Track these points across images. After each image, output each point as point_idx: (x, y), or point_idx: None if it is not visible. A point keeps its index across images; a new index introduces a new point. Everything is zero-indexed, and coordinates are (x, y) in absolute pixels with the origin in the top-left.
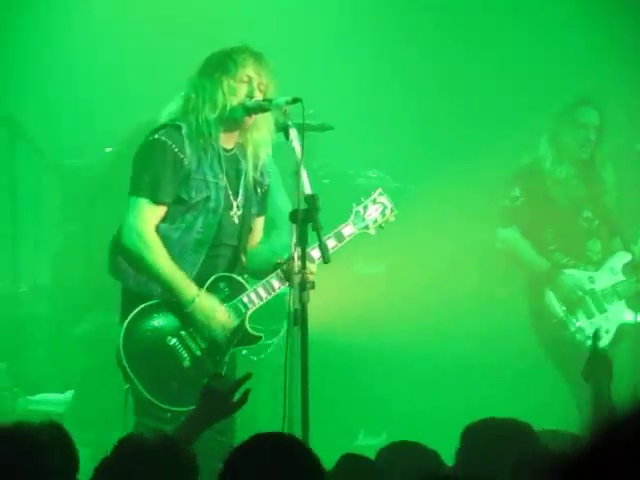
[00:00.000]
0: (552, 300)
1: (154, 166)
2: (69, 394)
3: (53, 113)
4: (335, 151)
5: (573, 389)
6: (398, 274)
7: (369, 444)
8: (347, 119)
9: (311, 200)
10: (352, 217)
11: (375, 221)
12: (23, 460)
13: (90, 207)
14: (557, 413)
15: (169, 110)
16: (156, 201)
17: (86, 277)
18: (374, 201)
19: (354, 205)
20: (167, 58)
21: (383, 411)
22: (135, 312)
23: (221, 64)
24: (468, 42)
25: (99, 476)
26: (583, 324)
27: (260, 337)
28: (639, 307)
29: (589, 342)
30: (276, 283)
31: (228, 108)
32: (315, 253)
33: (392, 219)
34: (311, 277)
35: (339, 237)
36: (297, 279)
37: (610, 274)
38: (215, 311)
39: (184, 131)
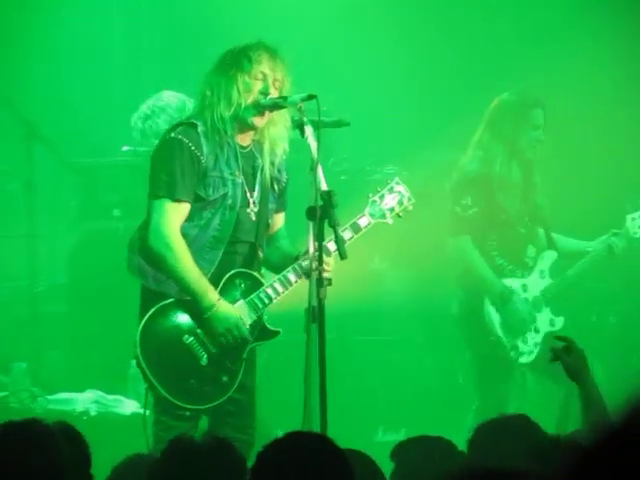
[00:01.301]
0: (492, 317)
1: (172, 165)
2: (88, 394)
3: (69, 112)
4: (352, 147)
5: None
6: (417, 269)
7: (388, 440)
8: (363, 115)
9: (327, 196)
10: (368, 207)
11: (392, 210)
12: (37, 456)
13: (106, 206)
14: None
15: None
16: (177, 200)
17: (103, 276)
18: (391, 190)
19: (370, 195)
20: (183, 54)
21: (402, 407)
22: (152, 311)
23: (236, 61)
24: (490, 35)
25: (153, 477)
26: (518, 341)
27: (278, 332)
28: (564, 310)
29: (522, 359)
30: (293, 277)
31: (243, 106)
32: (331, 246)
33: (410, 208)
34: (328, 273)
35: (355, 228)
36: (314, 276)
37: (539, 278)
38: (230, 321)
39: (200, 129)
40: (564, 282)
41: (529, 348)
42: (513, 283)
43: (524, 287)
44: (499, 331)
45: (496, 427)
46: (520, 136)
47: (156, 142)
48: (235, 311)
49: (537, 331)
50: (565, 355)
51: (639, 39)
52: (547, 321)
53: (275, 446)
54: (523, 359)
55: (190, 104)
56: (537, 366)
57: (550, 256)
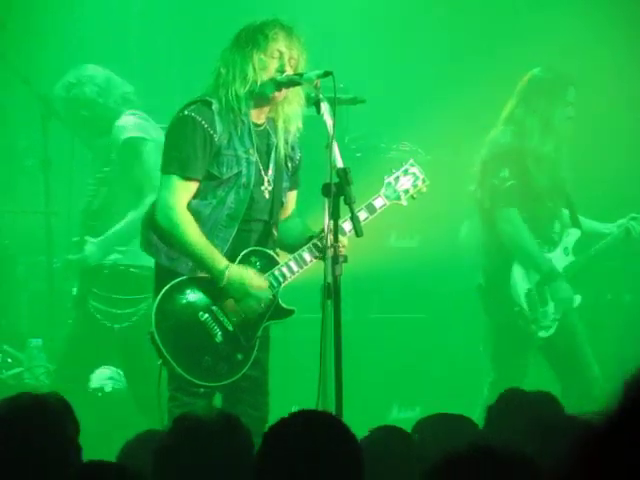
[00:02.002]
0: (519, 288)
1: (184, 143)
2: (103, 370)
3: None
4: (367, 125)
5: (505, 377)
6: (431, 247)
7: (403, 417)
8: (379, 92)
9: (343, 173)
10: (383, 189)
11: (407, 192)
12: (40, 429)
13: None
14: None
15: None
16: (187, 177)
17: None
18: (405, 172)
19: (385, 176)
20: (199, 35)
21: (417, 384)
22: (166, 288)
23: (252, 38)
24: (502, 18)
25: (159, 455)
26: (539, 315)
27: (293, 311)
28: (581, 288)
29: (541, 333)
30: (308, 256)
31: (259, 83)
32: (347, 226)
33: (424, 190)
34: (343, 250)
35: (370, 209)
36: (330, 253)
37: (563, 255)
38: (247, 280)
39: (214, 107)
40: (585, 261)
41: (548, 323)
42: None
43: None
44: (523, 302)
45: (513, 403)
46: (555, 112)
47: (84, 112)
48: (247, 273)
49: (557, 307)
50: None
51: None
52: (567, 297)
53: (281, 424)
54: (542, 333)
55: (117, 80)
56: (543, 346)
57: (574, 234)
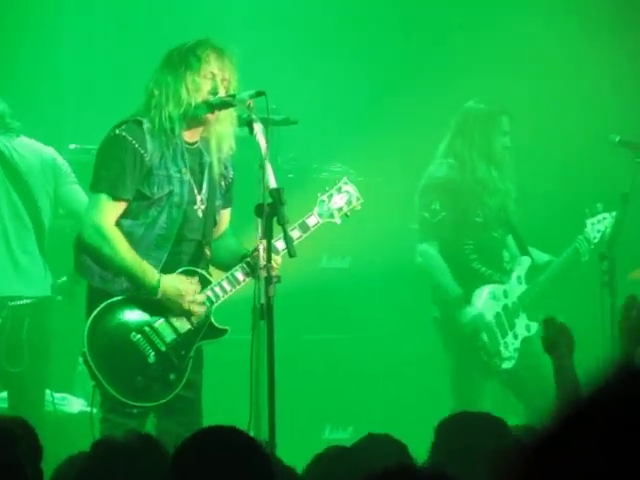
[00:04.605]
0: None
1: (114, 162)
2: None
3: (18, 111)
4: (299, 146)
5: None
6: (363, 269)
7: (336, 438)
8: (310, 113)
9: (276, 194)
10: (317, 207)
11: (340, 210)
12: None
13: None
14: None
15: None
16: (115, 197)
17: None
18: (339, 190)
19: (319, 194)
20: (132, 50)
21: (349, 405)
22: (99, 309)
23: (184, 60)
24: (434, 36)
25: (79, 478)
26: (500, 347)
27: (226, 330)
28: (535, 316)
29: (504, 365)
30: (241, 276)
31: (192, 105)
32: (280, 244)
33: (359, 208)
34: (276, 270)
35: (304, 228)
36: (263, 273)
37: (517, 284)
38: (181, 286)
39: (145, 126)
40: (537, 288)
41: (510, 354)
42: (496, 289)
43: (505, 293)
44: (484, 336)
45: (460, 424)
46: (493, 142)
47: None
48: (179, 278)
49: (516, 337)
50: (544, 328)
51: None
52: (524, 327)
53: (188, 443)
54: (505, 365)
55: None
56: (506, 377)
57: (525, 262)
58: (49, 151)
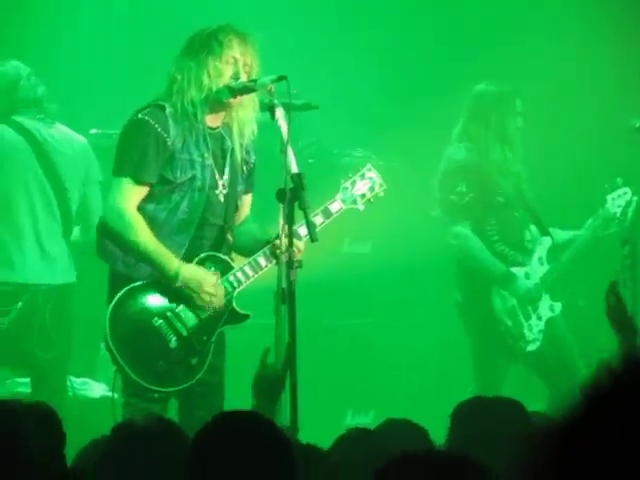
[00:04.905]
0: (501, 307)
1: (136, 146)
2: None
3: None
4: (320, 131)
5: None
6: (385, 253)
7: (358, 422)
8: (331, 98)
9: (297, 179)
10: (340, 193)
11: (363, 196)
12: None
13: None
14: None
15: None
16: (138, 181)
17: (75, 260)
18: (362, 176)
19: (342, 181)
20: (151, 35)
21: (371, 390)
22: (121, 294)
23: (206, 45)
24: (452, 25)
25: (99, 461)
26: (524, 329)
27: (248, 316)
28: (559, 295)
29: (529, 347)
30: (263, 261)
31: (214, 90)
32: (302, 230)
33: (382, 194)
34: (298, 255)
35: (326, 213)
36: (284, 257)
37: (539, 265)
38: (201, 277)
39: (168, 111)
40: (560, 267)
41: (534, 336)
42: (517, 272)
43: (527, 275)
44: (508, 320)
45: (479, 407)
46: (507, 124)
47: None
48: (200, 272)
49: (540, 318)
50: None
51: (611, 30)
52: (548, 307)
53: (209, 427)
54: (530, 347)
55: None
56: (531, 359)
57: (546, 242)
58: (83, 142)
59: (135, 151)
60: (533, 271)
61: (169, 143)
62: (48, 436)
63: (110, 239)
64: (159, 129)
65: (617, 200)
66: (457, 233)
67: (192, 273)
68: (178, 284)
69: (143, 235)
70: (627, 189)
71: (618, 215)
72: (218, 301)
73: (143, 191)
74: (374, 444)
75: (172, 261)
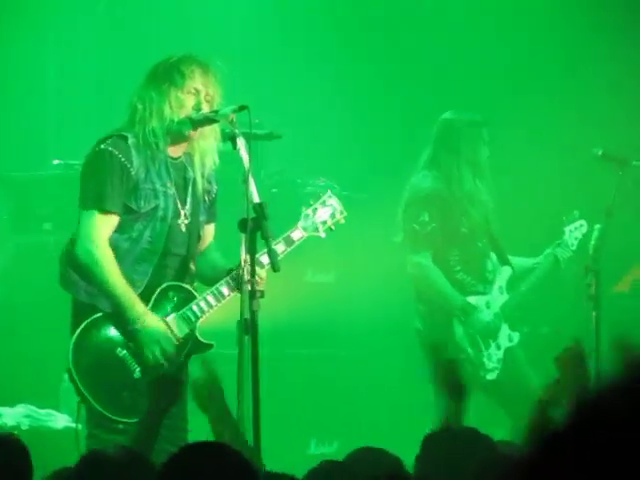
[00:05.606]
0: (462, 335)
1: (101, 176)
2: (19, 408)
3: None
4: (283, 160)
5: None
6: (347, 283)
7: (321, 452)
8: (295, 128)
9: (259, 208)
10: (301, 221)
11: (324, 223)
12: None
13: (37, 220)
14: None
15: None
16: (106, 211)
17: (34, 289)
18: (323, 203)
19: (303, 208)
20: (114, 62)
21: (335, 420)
22: (84, 324)
23: (169, 75)
24: (417, 53)
25: None
26: (484, 359)
27: (211, 345)
28: (518, 325)
29: (488, 376)
30: (226, 290)
31: (175, 121)
32: (264, 259)
33: (342, 221)
34: (261, 285)
35: (288, 241)
36: (247, 287)
37: (499, 294)
38: (159, 335)
39: (130, 141)
40: (519, 297)
41: (493, 365)
42: (478, 300)
43: (487, 304)
44: (468, 348)
45: (445, 440)
46: (478, 153)
47: None
48: (162, 325)
49: (499, 348)
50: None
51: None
52: (506, 337)
53: (175, 458)
54: (489, 376)
55: None
56: (491, 388)
57: (506, 272)
58: None
59: (100, 182)
60: (494, 300)
61: (133, 173)
62: (16, 467)
63: (77, 273)
64: (123, 159)
65: (574, 232)
66: (416, 263)
67: (154, 325)
68: (137, 327)
69: (112, 272)
70: (583, 222)
71: (574, 248)
72: (166, 360)
73: (113, 221)
74: (347, 475)
75: (140, 304)
